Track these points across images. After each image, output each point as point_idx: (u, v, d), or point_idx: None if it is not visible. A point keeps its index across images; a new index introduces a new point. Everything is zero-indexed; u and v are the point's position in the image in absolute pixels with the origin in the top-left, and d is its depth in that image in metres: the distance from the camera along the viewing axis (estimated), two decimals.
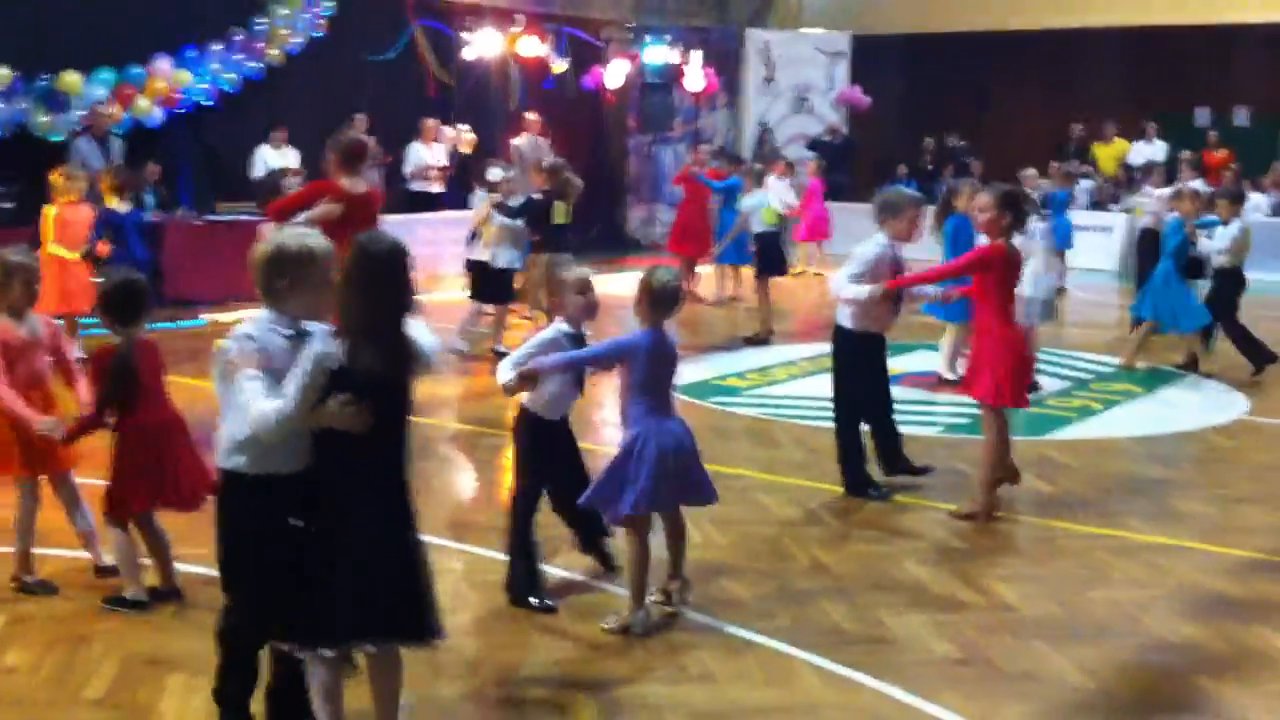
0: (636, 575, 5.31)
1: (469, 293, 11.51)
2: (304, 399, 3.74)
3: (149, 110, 14.66)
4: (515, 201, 11.21)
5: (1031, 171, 13.97)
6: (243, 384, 3.82)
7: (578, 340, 5.44)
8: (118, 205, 9.96)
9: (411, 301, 3.94)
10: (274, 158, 15.50)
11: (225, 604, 4.20)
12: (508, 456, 6.18)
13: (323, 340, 3.83)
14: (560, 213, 11.18)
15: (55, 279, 9.48)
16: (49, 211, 10.31)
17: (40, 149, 13.72)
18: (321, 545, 3.90)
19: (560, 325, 5.44)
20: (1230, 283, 10.92)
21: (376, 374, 3.81)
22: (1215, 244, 10.88)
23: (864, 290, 6.90)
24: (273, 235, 4.06)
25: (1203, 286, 11.10)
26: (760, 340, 12.42)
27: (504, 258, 11.17)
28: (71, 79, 13.80)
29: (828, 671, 4.93)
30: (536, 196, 11.31)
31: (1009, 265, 6.77)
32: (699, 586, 5.78)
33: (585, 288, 5.45)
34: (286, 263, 3.91)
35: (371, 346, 3.81)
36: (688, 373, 10.95)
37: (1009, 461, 7.06)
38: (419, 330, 3.97)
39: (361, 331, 3.82)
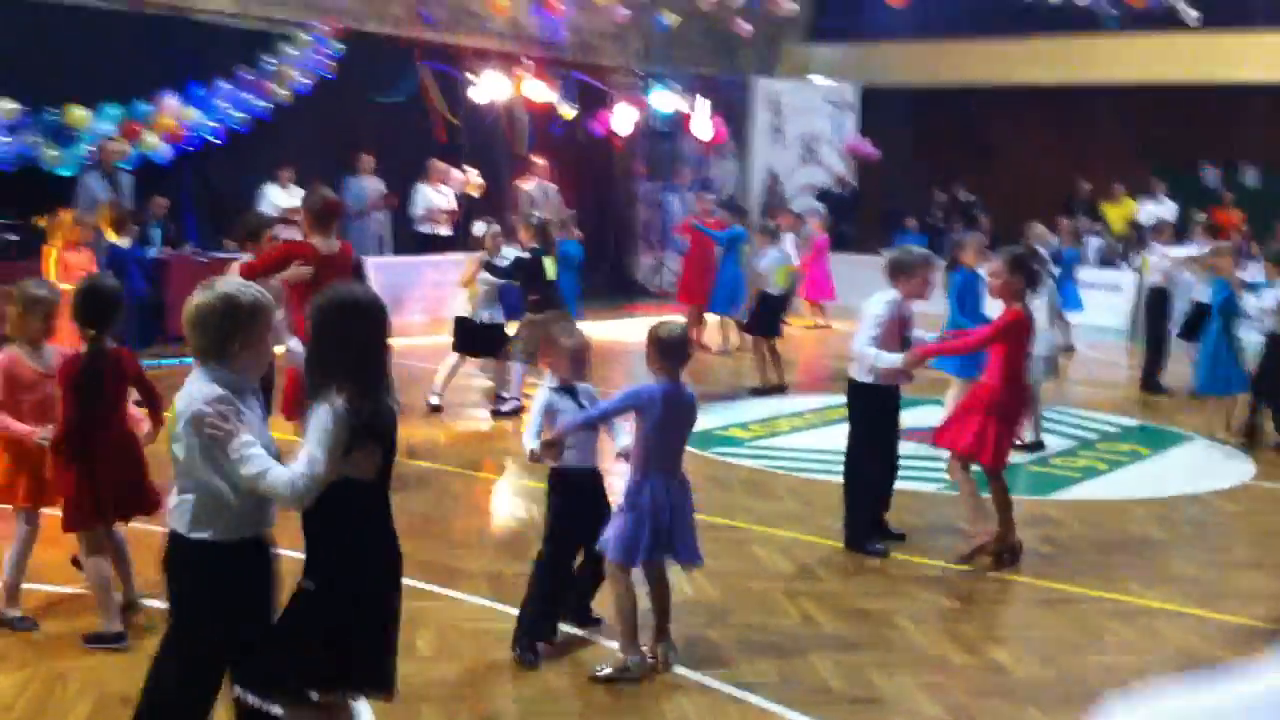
0: (626, 619, 5.29)
1: (453, 345, 11.34)
2: (332, 459, 3.65)
3: (156, 146, 14.68)
4: (502, 261, 11.05)
5: (1040, 229, 13.91)
6: (244, 453, 3.61)
7: (570, 392, 5.50)
8: (118, 240, 9.92)
9: (386, 348, 3.99)
10: (280, 197, 15.52)
11: (161, 657, 3.97)
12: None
13: (328, 402, 3.71)
14: (550, 269, 11.08)
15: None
16: (50, 252, 10.25)
17: (47, 183, 13.74)
18: (320, 599, 3.83)
19: (550, 382, 5.52)
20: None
21: (379, 422, 3.78)
22: (1263, 303, 10.46)
23: (896, 359, 6.88)
24: (217, 287, 3.78)
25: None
26: (771, 390, 12.29)
27: (487, 313, 11.06)
28: (79, 113, 13.82)
29: None
30: (524, 255, 11.14)
31: (1024, 329, 6.86)
32: (687, 636, 5.72)
33: (581, 355, 5.58)
34: (242, 316, 3.73)
35: (370, 396, 3.75)
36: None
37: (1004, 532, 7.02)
38: None
39: (358, 383, 3.74)
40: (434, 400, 10.99)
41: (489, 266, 10.89)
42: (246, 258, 8.25)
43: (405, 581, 6.22)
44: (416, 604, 6.02)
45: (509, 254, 11.22)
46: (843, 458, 7.37)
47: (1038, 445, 9.88)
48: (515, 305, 11.49)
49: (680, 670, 5.38)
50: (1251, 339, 10.72)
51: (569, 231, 13.67)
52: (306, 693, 3.86)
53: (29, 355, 5.53)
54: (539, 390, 5.61)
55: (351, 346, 3.78)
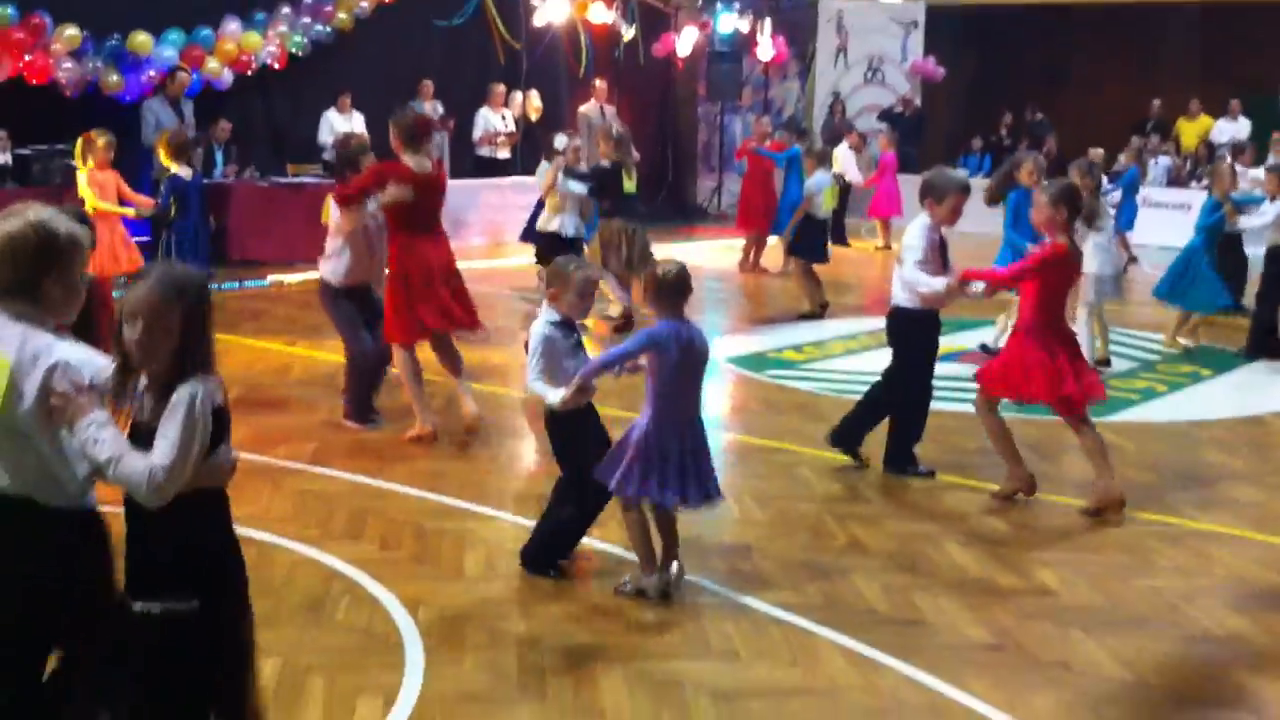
0: (639, 543, 5.33)
1: (537, 261, 11.47)
2: (197, 450, 3.08)
3: (219, 73, 14.76)
4: (584, 170, 11.25)
5: (1095, 153, 13.66)
6: (95, 434, 3.05)
7: (569, 326, 5.47)
8: (178, 169, 9.99)
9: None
10: (340, 123, 15.56)
11: None
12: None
13: (203, 383, 3.13)
14: (629, 182, 11.17)
15: (102, 240, 9.35)
16: (82, 174, 10.24)
17: (109, 110, 13.86)
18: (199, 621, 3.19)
19: (550, 315, 5.44)
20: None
21: (227, 412, 3.24)
22: (1255, 221, 10.64)
23: (939, 283, 6.77)
24: (29, 214, 3.21)
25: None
26: (815, 315, 12.27)
27: (571, 225, 11.16)
28: (141, 40, 13.91)
29: (855, 653, 4.84)
30: (605, 164, 11.28)
31: (1067, 265, 6.67)
32: (733, 560, 5.77)
33: (587, 289, 5.53)
34: (57, 251, 3.20)
35: (217, 382, 3.19)
36: (745, 344, 10.88)
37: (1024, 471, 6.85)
38: None
39: (206, 370, 3.16)
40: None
41: (569, 171, 11.04)
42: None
43: (453, 502, 6.40)
44: (464, 525, 6.13)
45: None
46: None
47: (1105, 363, 9.79)
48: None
49: (725, 591, 5.41)
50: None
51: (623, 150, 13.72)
52: None
53: None
54: (536, 325, 5.46)
55: (199, 327, 3.17)
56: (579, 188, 11.10)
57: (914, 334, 7.09)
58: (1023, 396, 6.69)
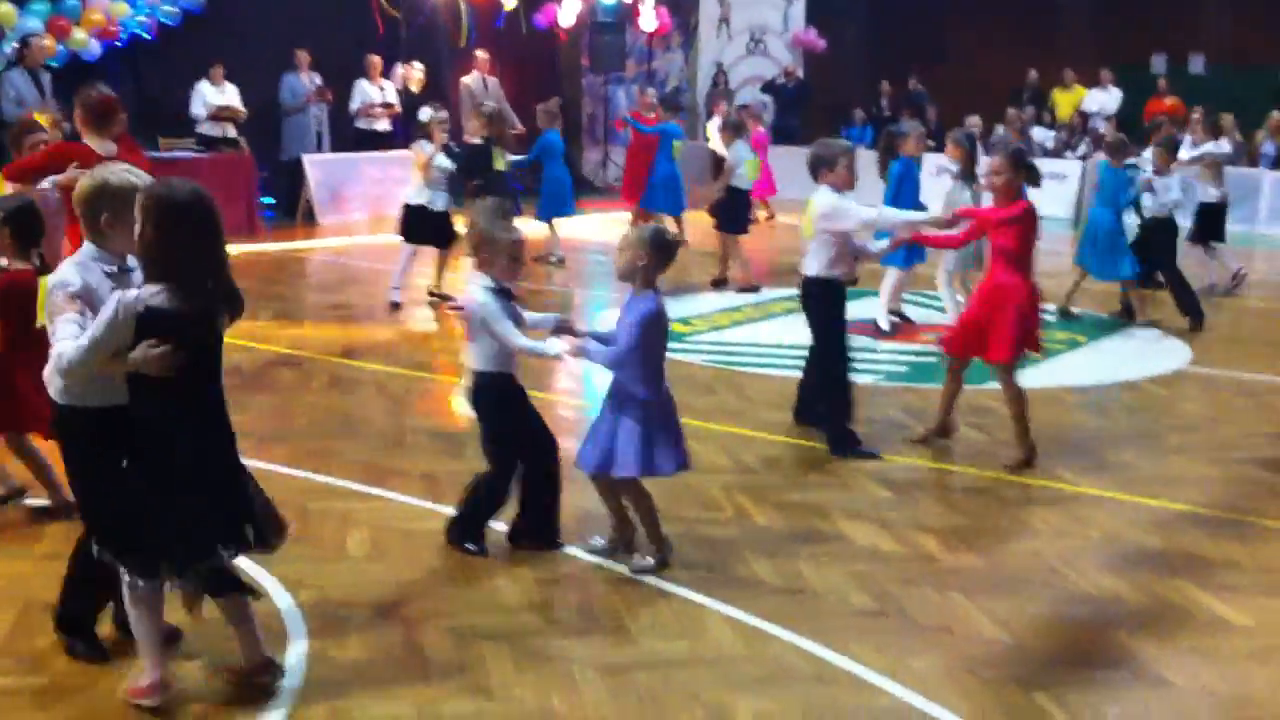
0: (653, 520, 5.42)
1: (401, 236, 11.23)
2: (100, 342, 3.80)
3: (85, 43, 14.32)
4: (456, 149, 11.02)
5: (975, 119, 13.88)
6: (58, 326, 3.91)
7: (505, 294, 5.35)
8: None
9: (220, 246, 3.95)
10: (213, 94, 15.23)
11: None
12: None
13: (135, 283, 3.91)
14: (499, 159, 11.00)
15: None
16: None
17: None
18: (147, 481, 3.96)
19: (484, 281, 5.33)
20: (1168, 232, 11.06)
21: (185, 318, 3.84)
22: (1167, 197, 10.89)
23: (918, 216, 7.14)
24: (97, 170, 4.15)
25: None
26: (750, 287, 12.20)
27: (441, 200, 10.99)
28: (5, 9, 13.43)
29: (741, 623, 4.86)
30: (476, 142, 11.08)
31: (1034, 221, 6.83)
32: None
33: (518, 252, 5.41)
34: (108, 199, 4.01)
35: (184, 292, 3.82)
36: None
37: (951, 416, 7.14)
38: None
39: (170, 278, 3.82)
40: (395, 297, 10.94)
41: (446, 150, 10.83)
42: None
43: (337, 482, 6.30)
44: (348, 505, 6.03)
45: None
46: (791, 352, 7.38)
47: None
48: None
49: (611, 564, 5.40)
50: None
51: (553, 120, 13.62)
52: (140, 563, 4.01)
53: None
54: (473, 293, 5.34)
55: (161, 239, 3.82)
56: (448, 164, 10.90)
57: (830, 305, 7.07)
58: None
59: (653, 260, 5.21)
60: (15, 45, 13.56)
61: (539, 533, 5.56)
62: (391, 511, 5.99)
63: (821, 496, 6.39)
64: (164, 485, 3.94)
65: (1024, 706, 4.30)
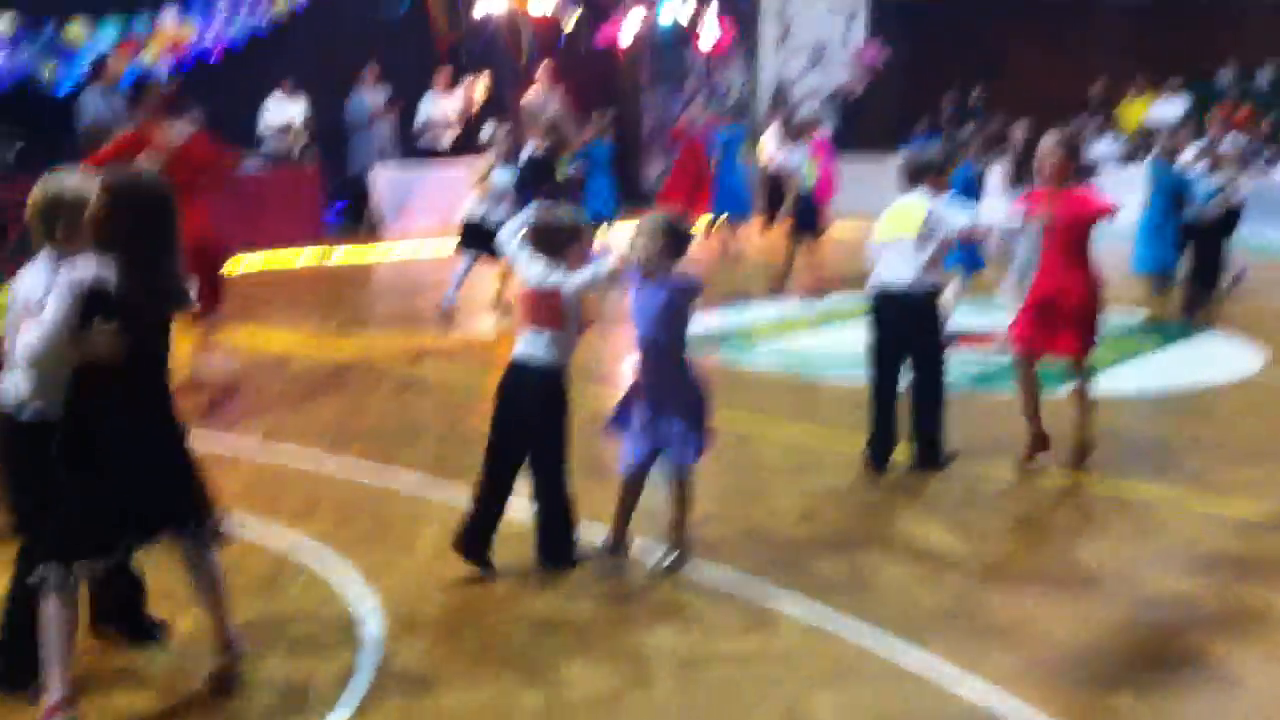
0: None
1: (461, 245, 11.24)
2: (59, 324, 3.77)
3: (155, 63, 14.55)
4: (519, 161, 10.97)
5: (1020, 129, 13.80)
6: (19, 339, 3.92)
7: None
8: None
9: (172, 237, 3.96)
10: (280, 109, 15.45)
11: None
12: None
13: (82, 266, 3.84)
14: (562, 169, 11.00)
15: None
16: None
17: (44, 100, 13.65)
18: (69, 471, 3.90)
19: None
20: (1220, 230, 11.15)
21: (129, 300, 3.82)
22: (1232, 198, 10.88)
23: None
24: (49, 181, 4.15)
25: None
26: (777, 291, 12.30)
27: (498, 214, 10.95)
28: (75, 30, 13.69)
29: (812, 620, 4.84)
30: (537, 155, 11.07)
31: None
32: (692, 534, 5.73)
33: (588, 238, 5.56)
34: (64, 209, 4.03)
35: (130, 274, 3.82)
36: (700, 323, 10.84)
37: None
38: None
39: (120, 260, 3.83)
40: (446, 305, 10.98)
41: (505, 164, 10.83)
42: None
43: (407, 482, 6.35)
44: (418, 504, 6.08)
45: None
46: (858, 358, 7.05)
47: None
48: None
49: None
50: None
51: (604, 133, 13.71)
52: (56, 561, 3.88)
53: None
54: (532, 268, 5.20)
55: (112, 224, 3.84)
56: (505, 179, 10.89)
57: (933, 316, 6.75)
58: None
59: (668, 247, 5.19)
60: (89, 65, 13.81)
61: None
62: (461, 508, 6.00)
63: (892, 496, 6.36)
64: (86, 476, 3.89)
65: (1099, 708, 4.25)
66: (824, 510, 6.14)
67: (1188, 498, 6.44)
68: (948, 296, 10.29)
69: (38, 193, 4.10)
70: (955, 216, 6.58)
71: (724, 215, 15.02)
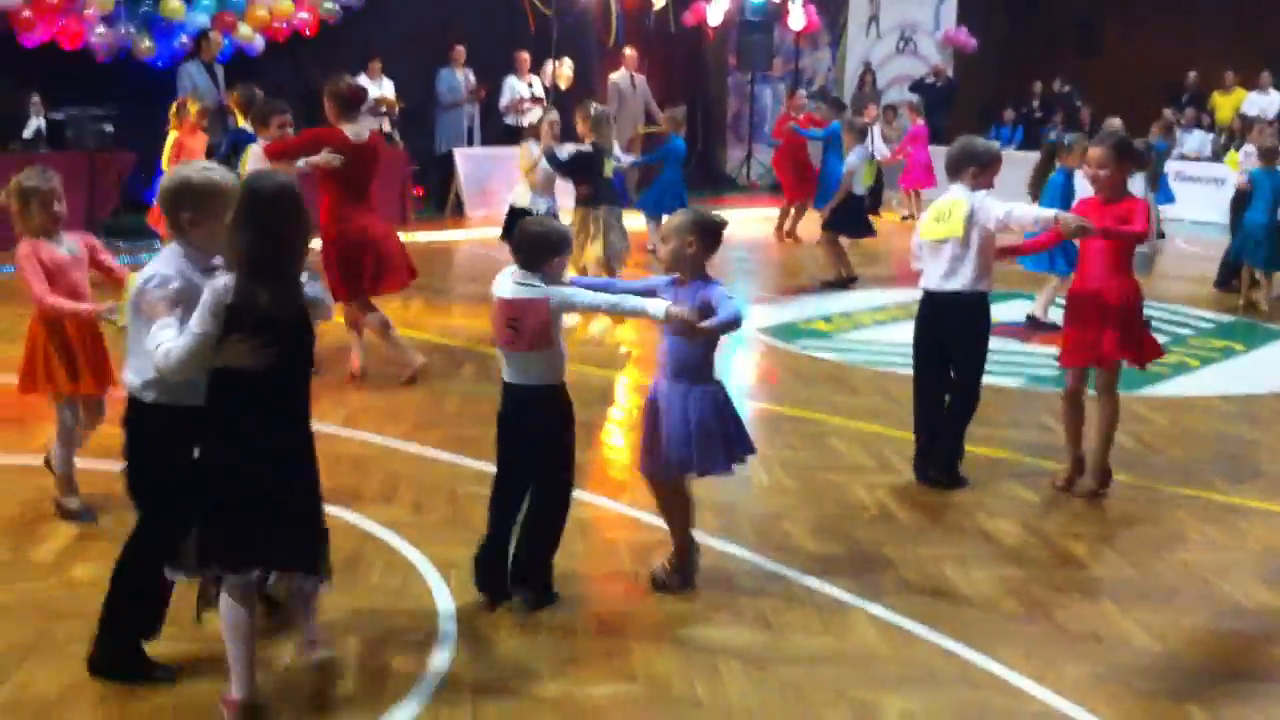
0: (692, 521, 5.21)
1: (502, 237, 11.17)
2: (209, 334, 3.77)
3: (250, 38, 14.78)
4: (564, 154, 10.81)
5: (1115, 121, 13.61)
6: (155, 332, 3.85)
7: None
8: (246, 124, 10.03)
9: (305, 241, 3.93)
10: (370, 88, 15.54)
11: (133, 531, 4.21)
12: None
13: (223, 276, 3.84)
14: (607, 165, 10.92)
15: None
16: (171, 137, 10.57)
17: (141, 74, 13.91)
18: (222, 478, 3.89)
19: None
20: None
21: (272, 312, 3.79)
22: None
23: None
24: (177, 168, 4.18)
25: None
26: (841, 286, 12.31)
27: (544, 205, 10.88)
28: (174, 5, 13.93)
29: (885, 622, 4.85)
30: (585, 149, 10.93)
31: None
32: (763, 528, 5.76)
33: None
34: (190, 195, 4.00)
35: (264, 285, 3.78)
36: (774, 315, 10.87)
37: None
38: (310, 285, 4.00)
39: (253, 270, 3.78)
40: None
41: (549, 157, 10.69)
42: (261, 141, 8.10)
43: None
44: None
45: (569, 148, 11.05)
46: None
47: None
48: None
49: (755, 559, 5.43)
50: None
51: (679, 127, 13.71)
52: (203, 568, 3.92)
53: (49, 244, 5.35)
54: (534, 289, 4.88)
55: (249, 230, 3.79)
56: (549, 171, 10.76)
57: (985, 318, 6.51)
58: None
59: (700, 246, 4.90)
60: (184, 39, 14.05)
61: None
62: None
63: (968, 498, 6.33)
64: (230, 486, 3.87)
65: (1175, 717, 4.23)
66: (898, 510, 6.13)
67: (1271, 505, 6.35)
68: (1042, 299, 10.22)
69: (166, 179, 4.12)
70: (993, 208, 6.23)
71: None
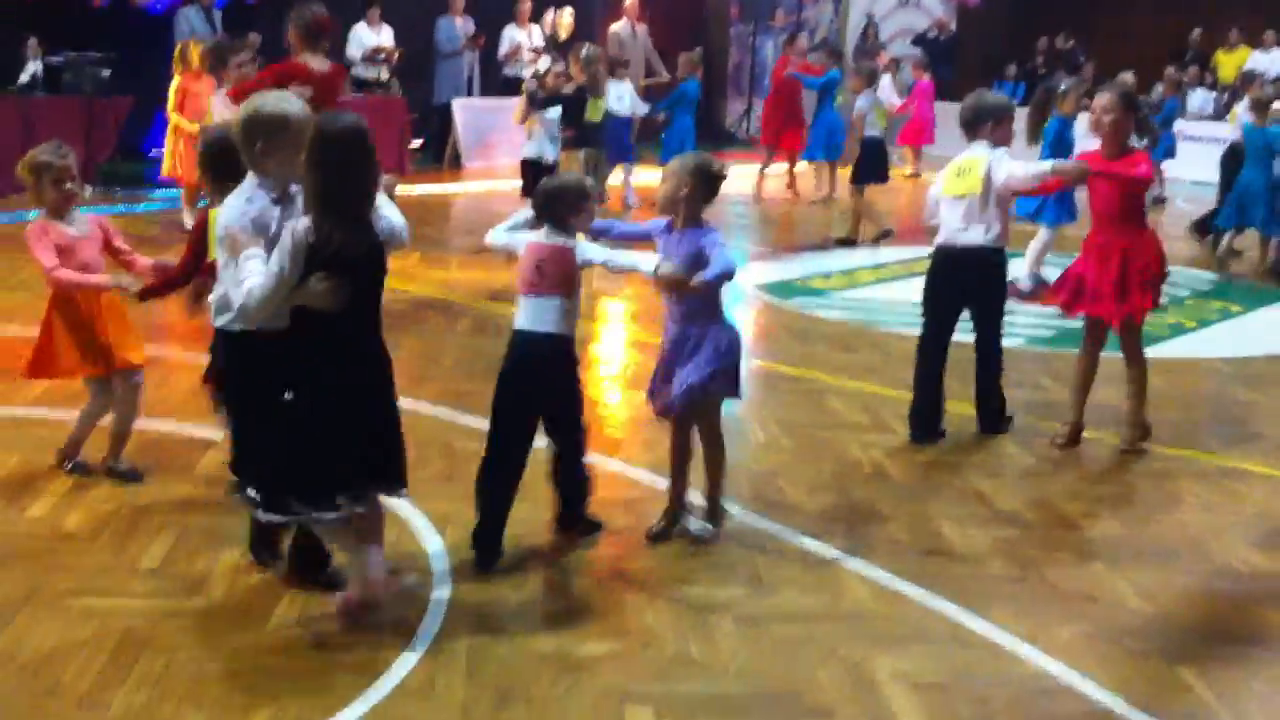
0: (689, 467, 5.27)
1: (522, 191, 11.23)
2: (287, 275, 3.86)
3: None
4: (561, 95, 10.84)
5: (1127, 76, 13.54)
6: (242, 263, 3.96)
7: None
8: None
9: (375, 181, 4.03)
10: (369, 36, 15.47)
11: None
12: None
13: (301, 218, 3.92)
14: (594, 109, 10.88)
15: (176, 150, 10.05)
16: (175, 82, 10.55)
17: (139, 19, 13.80)
18: (300, 413, 4.05)
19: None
20: None
21: (347, 252, 3.89)
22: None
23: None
24: (252, 99, 4.18)
25: None
26: (863, 241, 12.17)
27: (552, 152, 10.90)
28: None
29: (878, 581, 4.86)
30: (569, 93, 10.92)
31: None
32: (758, 486, 5.76)
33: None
34: (260, 127, 4.04)
35: (339, 225, 3.88)
36: (772, 271, 10.84)
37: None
38: (388, 208, 4.14)
39: (327, 211, 3.88)
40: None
41: (530, 97, 10.73)
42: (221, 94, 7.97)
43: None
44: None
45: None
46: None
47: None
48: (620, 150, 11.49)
49: (750, 517, 5.43)
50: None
51: (695, 70, 13.73)
52: (290, 502, 4.08)
53: (59, 224, 5.27)
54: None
55: (322, 171, 3.88)
56: (552, 111, 10.81)
57: (1000, 275, 6.57)
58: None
59: (695, 190, 4.87)
60: None
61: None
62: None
63: (962, 458, 6.34)
64: (309, 424, 4.03)
65: (1166, 679, 4.24)
66: (893, 469, 6.13)
67: (1266, 468, 6.36)
68: (1034, 248, 10.18)
69: (239, 113, 4.14)
70: (1003, 166, 6.24)
71: (819, 159, 14.93)
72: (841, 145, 14.64)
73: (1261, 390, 7.90)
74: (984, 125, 6.40)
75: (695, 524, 5.25)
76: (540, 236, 4.82)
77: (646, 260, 4.80)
